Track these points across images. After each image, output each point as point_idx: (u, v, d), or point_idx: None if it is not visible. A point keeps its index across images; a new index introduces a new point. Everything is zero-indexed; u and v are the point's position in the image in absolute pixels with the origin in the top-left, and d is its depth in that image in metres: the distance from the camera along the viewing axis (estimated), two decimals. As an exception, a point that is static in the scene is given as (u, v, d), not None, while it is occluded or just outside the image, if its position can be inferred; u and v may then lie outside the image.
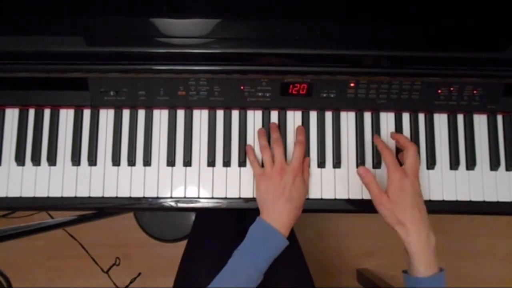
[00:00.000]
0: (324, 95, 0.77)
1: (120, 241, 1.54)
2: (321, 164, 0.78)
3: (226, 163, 0.77)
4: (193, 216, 1.39)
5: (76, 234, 1.34)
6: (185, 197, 0.77)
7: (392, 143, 0.78)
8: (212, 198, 0.77)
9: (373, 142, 0.78)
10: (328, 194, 0.77)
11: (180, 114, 0.79)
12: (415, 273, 0.66)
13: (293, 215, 0.71)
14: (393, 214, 0.66)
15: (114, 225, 1.52)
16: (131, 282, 1.43)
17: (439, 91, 0.77)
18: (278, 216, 0.69)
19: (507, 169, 0.79)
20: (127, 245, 1.54)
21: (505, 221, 1.57)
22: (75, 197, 0.76)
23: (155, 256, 1.53)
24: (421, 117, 0.80)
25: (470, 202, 0.78)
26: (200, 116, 0.79)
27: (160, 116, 0.78)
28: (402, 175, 0.68)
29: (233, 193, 0.77)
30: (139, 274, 1.48)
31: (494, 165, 0.78)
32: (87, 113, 0.78)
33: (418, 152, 0.78)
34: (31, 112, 0.78)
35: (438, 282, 0.65)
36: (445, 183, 0.78)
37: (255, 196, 0.76)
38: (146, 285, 1.52)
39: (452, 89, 0.77)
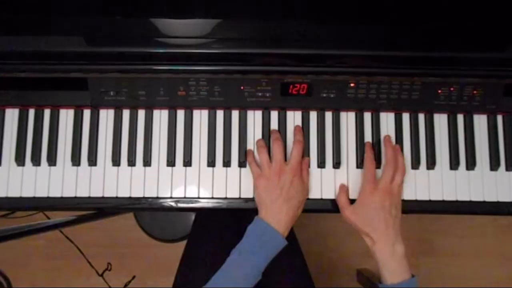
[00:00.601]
0: (324, 95, 0.77)
1: (120, 241, 1.54)
2: (321, 164, 0.78)
3: (226, 163, 0.77)
4: (193, 216, 1.39)
5: (76, 234, 1.34)
6: (185, 197, 0.77)
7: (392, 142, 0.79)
8: (212, 198, 0.77)
9: (373, 143, 0.78)
10: (328, 194, 0.77)
11: (180, 114, 0.79)
12: (384, 281, 0.69)
13: (292, 215, 0.70)
14: (357, 226, 0.72)
15: (114, 225, 1.52)
16: (126, 285, 1.43)
17: (439, 91, 0.77)
18: (276, 216, 0.69)
19: (507, 169, 0.79)
20: (127, 245, 1.54)
21: (506, 221, 1.57)
22: (75, 197, 0.76)
23: (155, 256, 1.53)
24: (421, 117, 0.80)
25: (470, 202, 0.78)
26: (200, 116, 0.79)
27: (160, 116, 0.78)
28: (372, 189, 0.71)
29: (233, 193, 0.77)
30: (134, 277, 1.48)
31: (494, 165, 0.78)
32: (87, 113, 0.78)
33: (418, 152, 0.78)
34: (31, 112, 0.78)
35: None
36: (445, 183, 0.78)
37: (254, 196, 0.76)
38: (146, 285, 1.52)
39: (452, 89, 0.77)
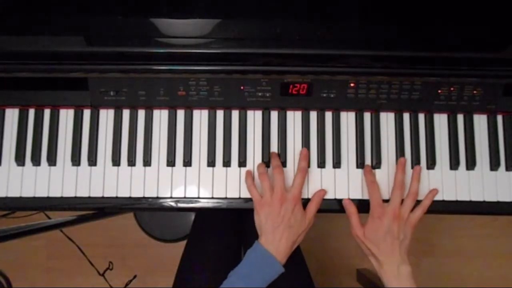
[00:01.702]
0: (324, 95, 0.77)
1: (120, 241, 1.54)
2: (321, 164, 0.78)
3: (226, 163, 0.77)
4: (193, 216, 1.39)
5: (76, 234, 1.34)
6: (185, 197, 0.77)
7: (392, 143, 0.79)
8: (212, 198, 0.77)
9: (372, 143, 0.78)
10: (328, 194, 0.77)
11: (180, 114, 0.79)
12: None
13: (291, 243, 0.71)
14: (366, 248, 0.73)
15: (114, 225, 1.52)
16: (126, 285, 1.43)
17: (439, 91, 0.77)
18: (276, 243, 0.70)
19: (507, 169, 0.79)
20: (127, 245, 1.54)
21: (505, 221, 1.57)
22: (75, 197, 0.76)
23: (155, 256, 1.53)
24: (421, 117, 0.80)
25: (470, 202, 0.78)
26: (200, 116, 0.79)
27: (160, 116, 0.78)
28: (379, 214, 0.72)
29: (233, 193, 0.77)
30: (135, 276, 1.48)
31: (494, 165, 0.78)
32: (87, 113, 0.78)
33: (418, 152, 0.78)
34: (31, 112, 0.78)
35: None
36: (445, 183, 0.78)
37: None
38: (146, 285, 1.52)
39: (452, 89, 0.77)
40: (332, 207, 0.77)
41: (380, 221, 0.71)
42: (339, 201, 0.77)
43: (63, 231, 1.26)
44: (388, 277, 0.70)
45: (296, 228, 0.71)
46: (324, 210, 0.78)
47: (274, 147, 0.78)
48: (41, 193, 0.76)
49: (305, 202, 0.75)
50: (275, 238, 0.70)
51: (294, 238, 0.71)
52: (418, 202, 0.77)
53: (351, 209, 0.75)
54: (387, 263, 0.70)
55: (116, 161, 0.77)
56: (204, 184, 0.77)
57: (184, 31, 0.70)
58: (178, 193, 0.77)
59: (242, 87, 0.76)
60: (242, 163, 0.78)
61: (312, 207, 0.74)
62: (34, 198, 0.76)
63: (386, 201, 0.75)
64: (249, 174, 0.76)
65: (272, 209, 0.71)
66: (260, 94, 0.77)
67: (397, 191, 0.73)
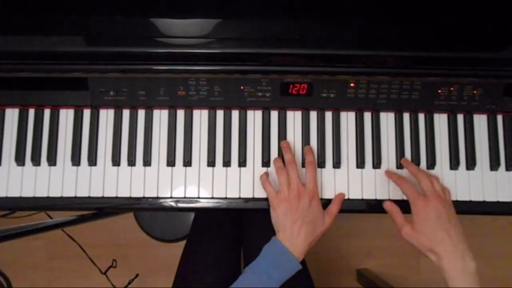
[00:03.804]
0: (324, 95, 0.77)
1: (120, 241, 1.54)
2: (321, 164, 0.78)
3: (226, 163, 0.77)
4: (192, 216, 1.39)
5: (76, 234, 1.34)
6: (185, 197, 0.77)
7: (392, 143, 0.79)
8: (212, 198, 0.77)
9: (373, 143, 0.78)
10: (328, 194, 0.77)
11: (180, 114, 0.79)
12: None
13: (310, 241, 0.70)
14: (421, 243, 0.67)
15: (114, 225, 1.53)
16: (129, 283, 1.43)
17: (439, 91, 0.77)
18: (294, 240, 0.69)
19: (507, 169, 0.79)
20: (127, 245, 1.54)
21: (505, 222, 1.57)
22: (75, 197, 0.76)
23: (155, 256, 1.53)
24: (421, 117, 0.80)
25: (470, 202, 0.78)
26: (200, 116, 0.79)
27: (160, 116, 0.78)
28: (423, 202, 0.68)
29: (233, 193, 0.77)
30: (137, 275, 1.48)
31: (494, 165, 0.78)
32: (87, 113, 0.78)
33: (418, 152, 0.78)
34: (31, 112, 0.78)
35: None
36: (445, 183, 0.78)
37: (255, 196, 0.76)
38: (146, 285, 1.52)
39: (452, 89, 0.77)
40: (332, 207, 0.77)
41: (425, 210, 0.67)
42: (339, 201, 0.77)
43: (64, 231, 1.26)
44: (452, 271, 0.63)
45: (313, 224, 0.70)
46: (324, 210, 0.78)
47: (274, 147, 0.78)
48: (41, 193, 0.76)
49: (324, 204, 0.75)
50: (293, 235, 0.69)
51: (312, 235, 0.70)
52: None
53: (393, 209, 0.72)
54: (448, 254, 0.64)
55: (116, 161, 0.77)
56: (204, 184, 0.77)
57: (184, 31, 0.70)
58: (178, 193, 0.77)
59: (242, 87, 0.76)
60: (242, 163, 0.78)
61: (334, 209, 0.74)
62: (34, 198, 0.76)
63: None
64: (265, 173, 0.76)
65: (290, 205, 0.70)
66: (260, 94, 0.77)
67: (422, 176, 0.71)
